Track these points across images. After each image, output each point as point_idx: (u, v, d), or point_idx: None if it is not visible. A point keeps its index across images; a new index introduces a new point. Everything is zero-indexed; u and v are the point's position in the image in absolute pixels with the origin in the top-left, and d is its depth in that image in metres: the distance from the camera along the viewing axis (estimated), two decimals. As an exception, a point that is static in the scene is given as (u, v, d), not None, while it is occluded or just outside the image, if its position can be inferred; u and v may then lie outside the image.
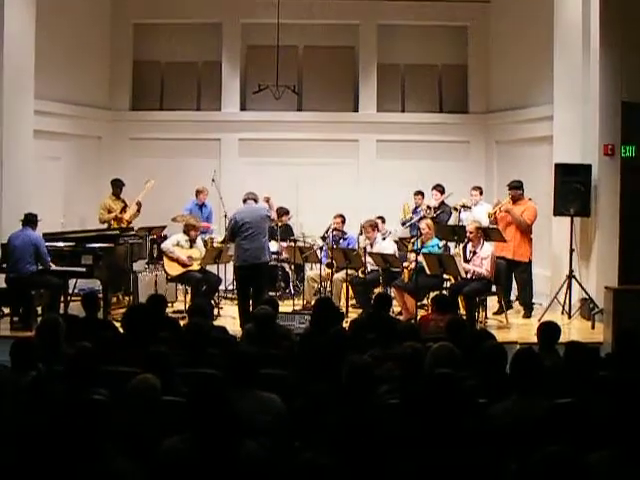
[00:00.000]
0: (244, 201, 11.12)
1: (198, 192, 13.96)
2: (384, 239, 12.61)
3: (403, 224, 13.47)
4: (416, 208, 13.61)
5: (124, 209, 13.44)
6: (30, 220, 10.86)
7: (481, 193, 13.30)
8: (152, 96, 15.93)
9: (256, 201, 11.17)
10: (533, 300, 12.29)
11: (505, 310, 11.71)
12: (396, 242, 13.00)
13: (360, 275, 12.27)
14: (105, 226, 13.31)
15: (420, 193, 13.65)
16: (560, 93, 12.61)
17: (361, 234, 12.54)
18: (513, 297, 12.53)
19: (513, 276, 12.29)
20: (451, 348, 5.81)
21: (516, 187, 12.27)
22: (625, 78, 11.70)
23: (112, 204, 13.47)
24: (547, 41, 12.87)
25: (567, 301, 11.73)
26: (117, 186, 13.61)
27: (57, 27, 13.81)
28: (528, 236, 12.15)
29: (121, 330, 7.61)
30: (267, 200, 11.88)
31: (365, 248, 12.16)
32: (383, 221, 13.16)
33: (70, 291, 11.63)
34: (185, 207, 13.85)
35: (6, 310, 11.10)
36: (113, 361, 6.16)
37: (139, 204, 13.45)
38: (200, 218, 13.47)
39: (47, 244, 10.97)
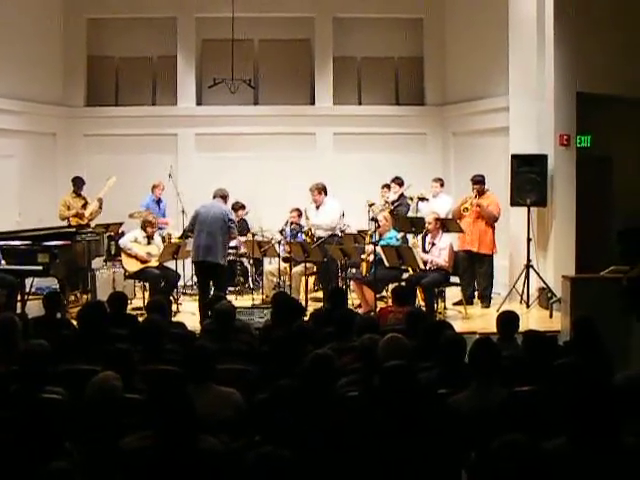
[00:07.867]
0: (213, 196, 11.11)
1: (154, 187, 13.92)
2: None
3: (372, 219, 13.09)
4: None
5: (84, 206, 13.28)
6: None
7: (442, 185, 13.30)
8: (107, 92, 15.79)
9: (224, 198, 11.13)
10: (492, 290, 12.36)
11: (466, 305, 11.74)
12: (354, 235, 12.95)
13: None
14: (65, 223, 13.13)
15: (387, 186, 13.56)
16: (515, 84, 12.69)
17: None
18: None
19: (475, 270, 12.32)
20: (399, 339, 5.76)
21: (480, 181, 12.33)
22: (580, 69, 11.80)
23: (72, 201, 13.29)
24: (502, 32, 12.94)
25: (525, 291, 11.82)
26: (77, 184, 13.42)
27: (8, 23, 13.63)
28: (493, 229, 12.22)
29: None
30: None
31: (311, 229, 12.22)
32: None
33: (27, 290, 11.48)
34: (142, 203, 13.74)
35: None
36: (71, 359, 6.09)
37: (100, 201, 13.27)
38: (157, 214, 13.40)
39: (2, 243, 10.82)
